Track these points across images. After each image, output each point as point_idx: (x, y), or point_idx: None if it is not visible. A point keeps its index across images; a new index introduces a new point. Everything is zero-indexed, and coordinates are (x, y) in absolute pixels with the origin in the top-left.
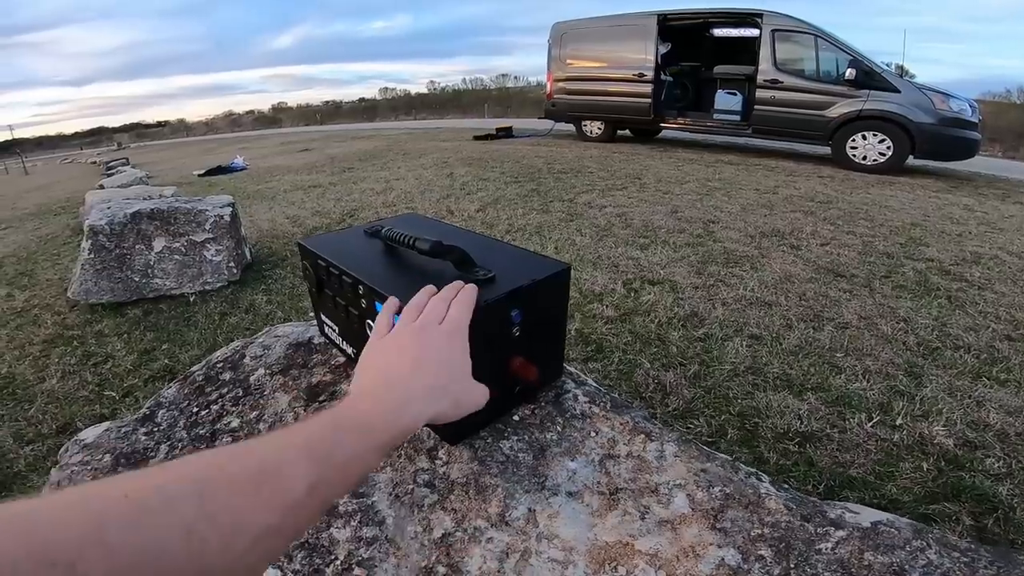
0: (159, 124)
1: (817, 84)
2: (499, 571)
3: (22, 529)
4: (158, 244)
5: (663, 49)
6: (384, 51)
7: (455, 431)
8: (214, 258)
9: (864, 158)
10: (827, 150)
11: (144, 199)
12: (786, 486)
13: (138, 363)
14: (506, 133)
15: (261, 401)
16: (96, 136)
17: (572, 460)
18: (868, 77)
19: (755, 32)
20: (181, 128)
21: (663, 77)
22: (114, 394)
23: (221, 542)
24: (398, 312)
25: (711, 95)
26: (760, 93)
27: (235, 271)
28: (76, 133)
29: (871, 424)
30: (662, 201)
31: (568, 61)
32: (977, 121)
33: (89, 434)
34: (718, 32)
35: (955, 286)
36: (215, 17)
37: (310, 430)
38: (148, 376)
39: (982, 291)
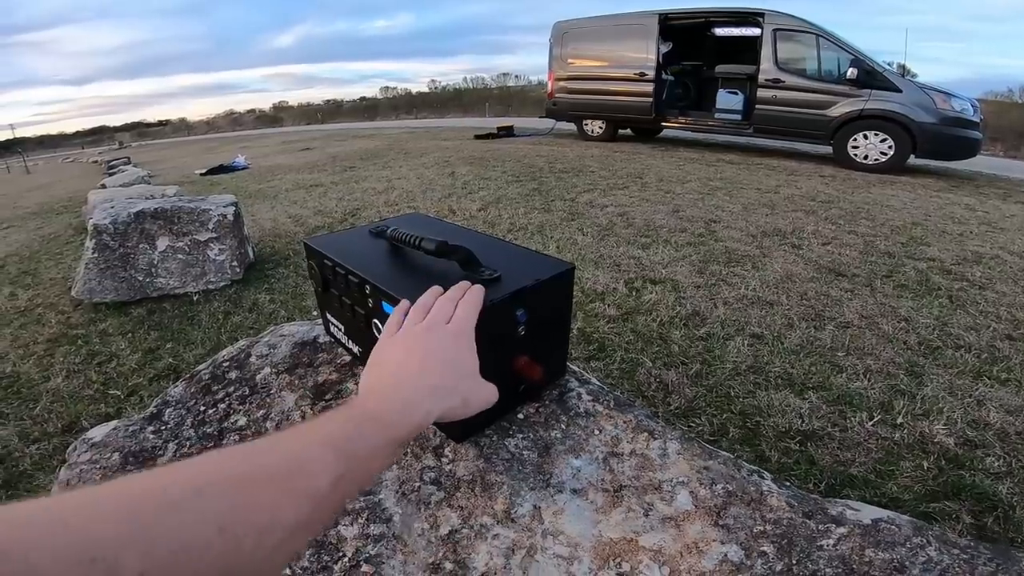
0: (160, 123)
1: (819, 83)
2: (505, 567)
3: (61, 525)
4: (162, 243)
5: (664, 48)
6: (386, 50)
7: (461, 429)
8: (217, 257)
9: (866, 157)
10: (828, 149)
11: (147, 198)
12: (788, 484)
13: (142, 362)
14: (507, 132)
15: (268, 400)
16: (97, 135)
17: (576, 458)
18: (870, 76)
19: (757, 31)
20: (182, 127)
21: (664, 76)
22: (119, 393)
23: (254, 538)
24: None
25: (712, 94)
26: (761, 92)
27: (238, 270)
28: (77, 132)
29: (872, 423)
30: (663, 200)
31: (569, 60)
32: (979, 120)
33: (97, 433)
34: (719, 31)
35: (956, 286)
36: (216, 16)
37: (331, 425)
38: (153, 375)
39: (983, 291)
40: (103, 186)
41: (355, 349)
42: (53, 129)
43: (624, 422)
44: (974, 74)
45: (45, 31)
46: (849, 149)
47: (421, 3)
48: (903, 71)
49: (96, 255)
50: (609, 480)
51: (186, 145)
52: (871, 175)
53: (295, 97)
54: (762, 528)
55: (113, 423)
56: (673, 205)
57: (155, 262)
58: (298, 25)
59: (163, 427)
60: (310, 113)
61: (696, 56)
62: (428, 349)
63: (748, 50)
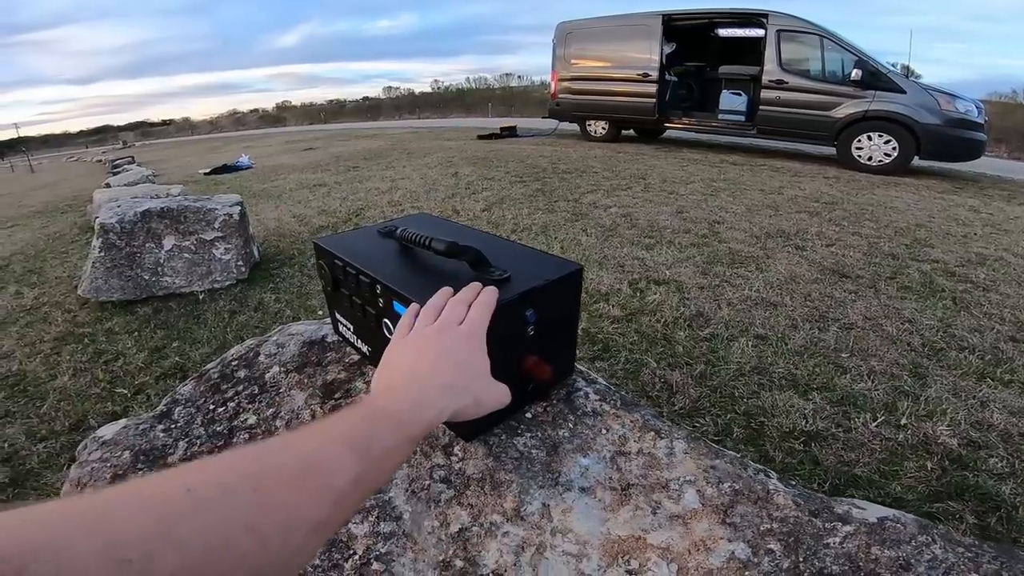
0: (164, 123)
1: (822, 84)
2: (515, 565)
3: (92, 526)
4: (168, 242)
5: (668, 49)
6: (388, 50)
7: (471, 428)
8: (223, 257)
9: (869, 159)
10: (832, 151)
11: (152, 197)
12: (793, 483)
13: (149, 360)
14: (510, 133)
15: (277, 399)
16: (101, 134)
17: (584, 456)
18: (874, 77)
19: (760, 32)
20: (186, 127)
21: (668, 77)
22: (126, 391)
23: (280, 537)
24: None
25: (716, 95)
26: (765, 93)
27: (243, 270)
28: (81, 131)
29: (876, 424)
30: (667, 201)
31: (573, 60)
32: (983, 122)
33: (107, 431)
34: (723, 32)
35: (960, 287)
36: (220, 15)
37: (347, 424)
38: (159, 374)
39: (987, 292)
40: (108, 185)
41: (365, 348)
42: (57, 128)
43: (631, 421)
44: (977, 75)
45: (49, 30)
46: (853, 150)
47: (424, 3)
48: (907, 72)
49: (102, 254)
50: (617, 479)
51: (190, 145)
52: (875, 176)
53: (298, 97)
54: (769, 526)
55: (123, 421)
56: (677, 206)
57: (161, 261)
58: (301, 24)
59: (173, 425)
60: (313, 113)
61: (700, 57)
62: (440, 349)
63: (752, 51)
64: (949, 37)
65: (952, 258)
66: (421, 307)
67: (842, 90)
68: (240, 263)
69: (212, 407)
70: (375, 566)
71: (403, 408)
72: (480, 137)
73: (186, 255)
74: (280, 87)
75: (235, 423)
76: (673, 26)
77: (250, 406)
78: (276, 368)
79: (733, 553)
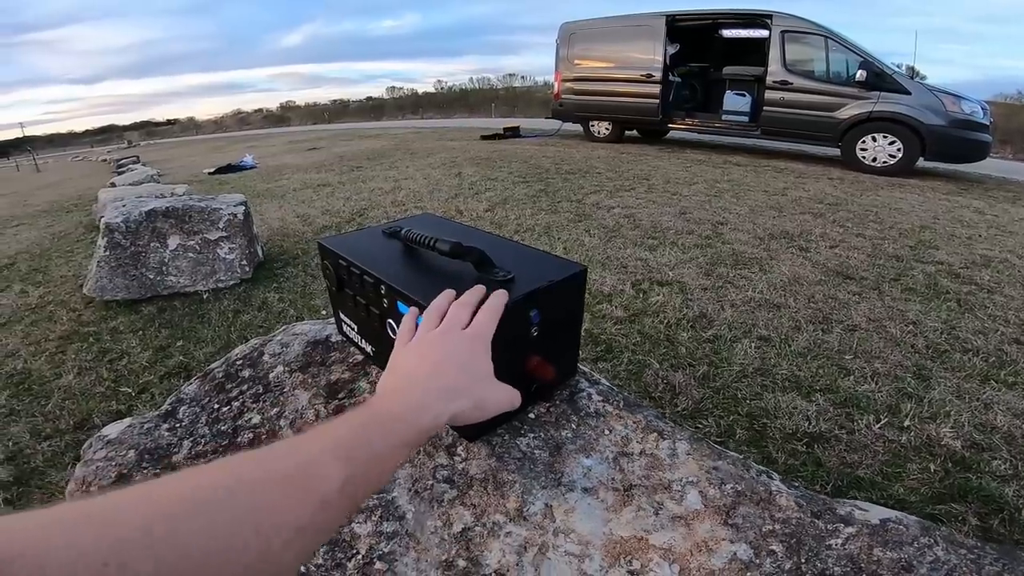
0: (169, 122)
1: (827, 85)
2: (517, 564)
3: (81, 528)
4: (172, 242)
5: (671, 50)
6: (392, 50)
7: (474, 429)
8: (227, 256)
9: (874, 160)
10: (837, 152)
11: (157, 197)
12: (796, 484)
13: (153, 360)
14: (513, 133)
15: (281, 398)
16: (106, 134)
17: (587, 457)
18: (879, 78)
19: (764, 33)
20: (191, 126)
21: (671, 78)
22: (130, 390)
23: (260, 540)
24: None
25: (720, 96)
26: (769, 94)
27: (247, 269)
28: (86, 131)
29: (879, 425)
30: (670, 202)
31: (576, 61)
32: (988, 123)
33: (112, 430)
34: (727, 33)
35: (964, 289)
36: (224, 15)
37: (340, 429)
38: (164, 373)
39: (991, 294)
40: (113, 184)
41: (368, 348)
42: (62, 128)
43: (634, 422)
44: (983, 76)
45: (55, 30)
46: (857, 151)
47: (428, 3)
48: (912, 73)
49: (108, 253)
50: (619, 479)
51: (194, 144)
52: (879, 178)
53: (302, 97)
54: (771, 527)
55: (128, 420)
56: (680, 207)
57: (166, 260)
58: (306, 24)
59: (178, 425)
60: (317, 113)
61: (703, 58)
62: (443, 353)
63: (756, 52)
64: (955, 38)
65: (957, 260)
66: (421, 312)
67: (846, 91)
68: (244, 263)
69: (216, 406)
70: (378, 565)
71: (397, 413)
72: (483, 137)
73: (191, 254)
74: (284, 87)
75: (239, 422)
76: (677, 27)
77: (254, 405)
78: (280, 368)
79: (735, 554)
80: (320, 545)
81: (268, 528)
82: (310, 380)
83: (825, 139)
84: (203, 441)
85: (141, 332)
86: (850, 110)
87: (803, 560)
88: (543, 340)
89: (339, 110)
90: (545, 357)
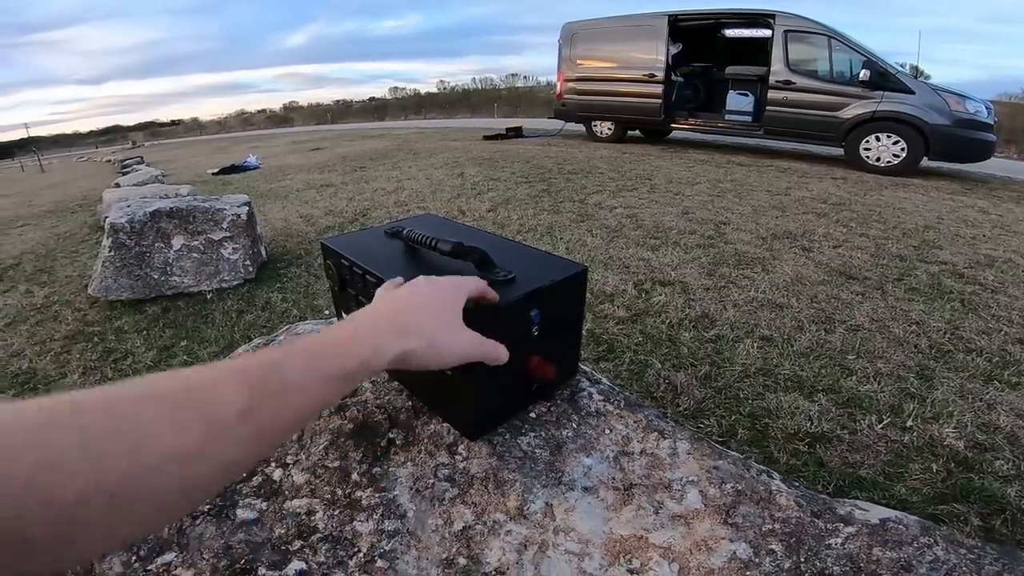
0: (173, 123)
1: (830, 85)
2: (518, 563)
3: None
4: (177, 242)
5: (674, 49)
6: (395, 50)
7: (474, 427)
8: (231, 256)
9: (878, 160)
10: (840, 151)
11: (161, 197)
12: (796, 484)
13: (158, 359)
14: (516, 133)
15: None
16: (111, 134)
17: (588, 456)
18: (882, 78)
19: (767, 33)
20: (195, 127)
21: (674, 77)
22: None
23: (124, 456)
24: None
25: (722, 96)
26: (772, 94)
27: (251, 269)
28: (91, 131)
29: (881, 426)
30: (673, 202)
31: (578, 61)
32: (992, 122)
33: None
34: (730, 33)
35: (968, 289)
36: (228, 15)
37: (250, 359)
38: None
39: (995, 294)
40: (117, 185)
41: None
42: (67, 128)
43: (634, 422)
44: (988, 75)
45: (60, 30)
46: (861, 151)
47: (430, 3)
48: (916, 72)
49: (112, 253)
50: (620, 478)
51: (198, 145)
52: (883, 177)
53: (305, 97)
54: (771, 527)
55: None
56: (682, 207)
57: (170, 260)
58: (309, 24)
59: None
60: (320, 113)
61: (706, 57)
62: (411, 293)
63: (759, 51)
64: (960, 38)
65: (960, 260)
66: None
67: (850, 91)
68: (248, 263)
69: None
70: (379, 563)
71: (341, 339)
72: (486, 138)
73: (195, 255)
74: (287, 87)
75: None
76: (679, 27)
77: None
78: None
79: (735, 553)
80: (226, 482)
81: (133, 443)
82: None
83: (829, 139)
84: None
85: (145, 332)
86: (854, 110)
87: (802, 559)
88: (544, 340)
89: (342, 110)
90: (546, 356)
